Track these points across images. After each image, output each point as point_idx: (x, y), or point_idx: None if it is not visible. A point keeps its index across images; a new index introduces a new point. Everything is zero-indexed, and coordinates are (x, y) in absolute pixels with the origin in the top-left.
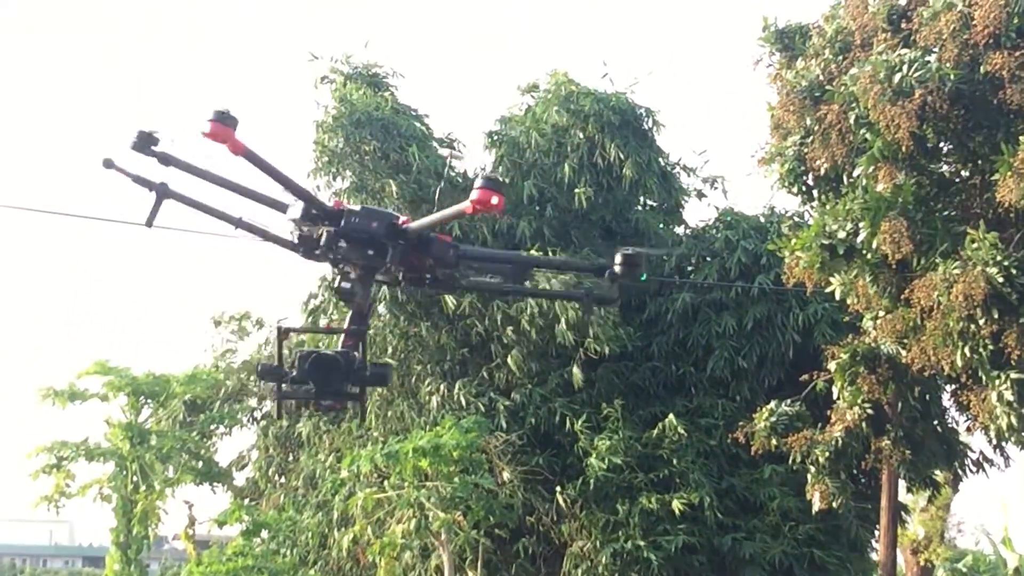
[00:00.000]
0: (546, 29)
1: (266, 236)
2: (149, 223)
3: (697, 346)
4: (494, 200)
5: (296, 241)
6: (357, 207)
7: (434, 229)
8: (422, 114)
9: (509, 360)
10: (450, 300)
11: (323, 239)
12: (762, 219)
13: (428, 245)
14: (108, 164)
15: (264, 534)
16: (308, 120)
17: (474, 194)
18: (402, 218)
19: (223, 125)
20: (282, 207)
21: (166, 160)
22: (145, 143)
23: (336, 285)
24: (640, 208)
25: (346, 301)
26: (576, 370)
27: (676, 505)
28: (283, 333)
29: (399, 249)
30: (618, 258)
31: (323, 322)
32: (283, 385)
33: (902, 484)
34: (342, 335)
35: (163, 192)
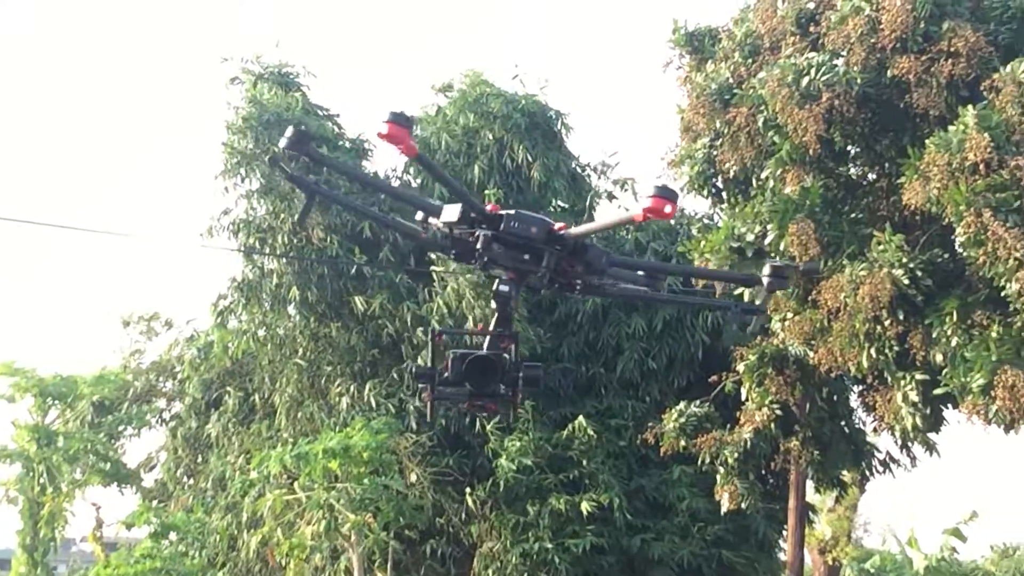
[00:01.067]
0: (460, 28)
1: (417, 238)
2: (301, 223)
3: (607, 347)
4: (667, 209)
5: (450, 243)
6: (513, 211)
7: (591, 236)
8: (333, 114)
9: (419, 361)
10: (360, 301)
11: (480, 242)
12: (672, 221)
13: (584, 252)
14: (274, 163)
15: (172, 536)
16: (220, 121)
17: (647, 202)
18: (558, 224)
19: (400, 126)
20: (434, 209)
21: (318, 160)
22: (300, 143)
23: (495, 288)
24: (551, 210)
25: (503, 304)
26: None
27: (584, 506)
28: (437, 334)
29: (555, 255)
30: (766, 270)
31: (232, 323)
32: (438, 386)
33: (810, 484)
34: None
35: (315, 191)
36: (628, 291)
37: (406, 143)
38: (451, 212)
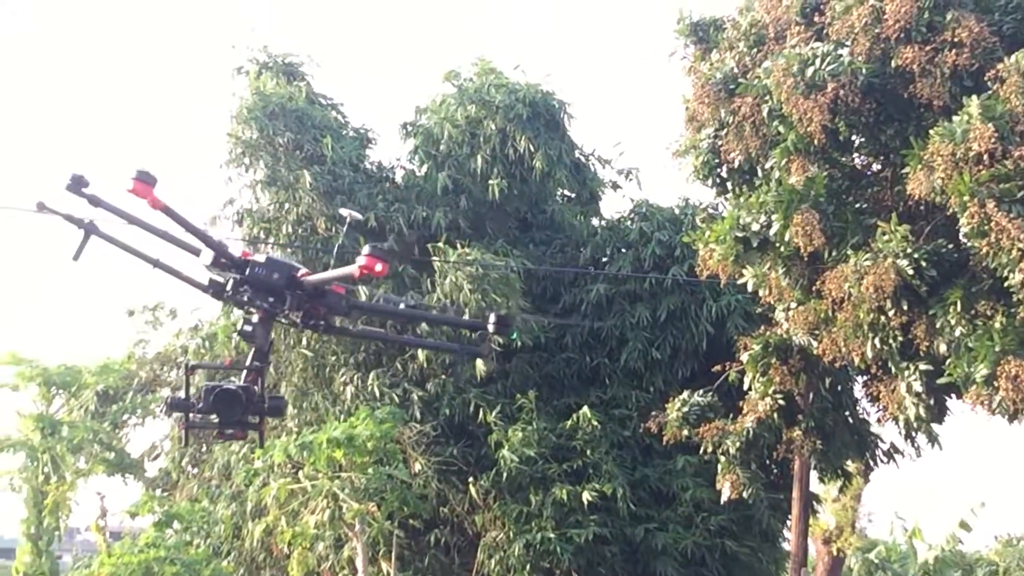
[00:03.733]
0: (465, 16)
1: (180, 277)
2: (76, 257)
3: (611, 337)
4: (378, 267)
5: (207, 284)
6: (262, 258)
7: (328, 284)
8: (337, 102)
9: (419, 352)
10: (363, 291)
11: (229, 285)
12: (677, 211)
13: (323, 296)
14: (40, 207)
15: (176, 525)
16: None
17: (361, 260)
18: (302, 270)
19: (144, 183)
20: (196, 251)
21: (95, 202)
22: (77, 185)
23: (240, 327)
24: (557, 200)
25: (248, 341)
26: (479, 362)
27: (586, 496)
28: (190, 370)
29: (297, 298)
30: (492, 318)
31: (237, 313)
32: (190, 416)
33: (814, 474)
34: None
35: (91, 230)
36: (368, 332)
37: (151, 197)
38: (205, 257)
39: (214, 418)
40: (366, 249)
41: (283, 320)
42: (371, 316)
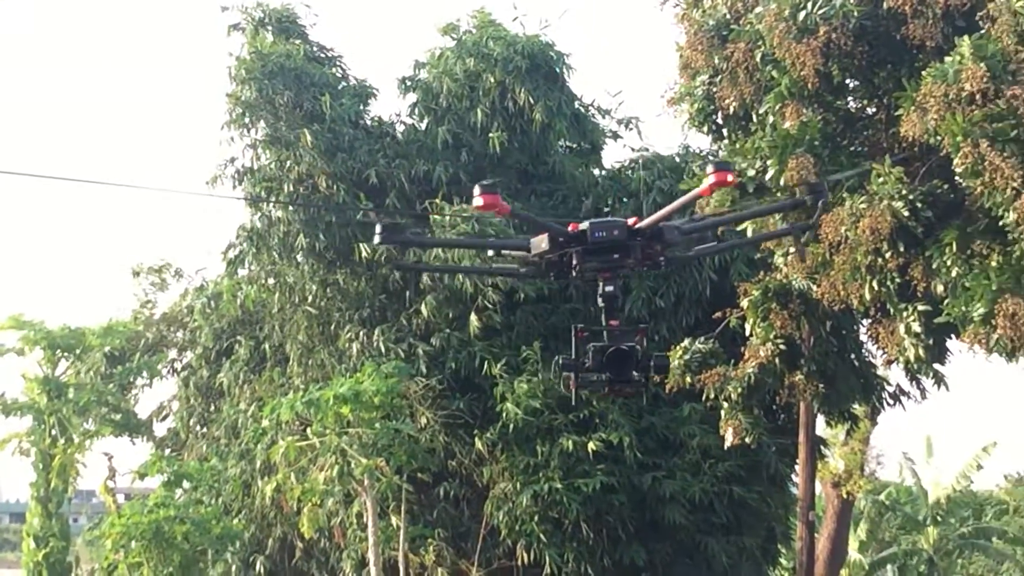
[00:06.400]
0: None
1: (517, 274)
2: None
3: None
4: (729, 178)
5: (545, 269)
6: (586, 225)
7: (662, 221)
8: (336, 55)
9: (423, 307)
10: (365, 248)
11: (575, 260)
12: (677, 159)
13: (660, 234)
14: (396, 267)
15: (186, 484)
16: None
17: (711, 178)
18: (631, 219)
19: (490, 194)
20: (523, 245)
21: (409, 243)
22: (392, 235)
23: (601, 291)
24: (558, 151)
25: (613, 304)
26: (473, 316)
27: (592, 445)
28: (579, 330)
29: (638, 245)
30: (805, 190)
31: (242, 272)
32: (581, 374)
33: (821, 419)
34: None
35: (422, 269)
36: (702, 250)
37: (499, 206)
38: (540, 243)
39: (604, 376)
40: (709, 167)
41: (626, 271)
42: (699, 234)
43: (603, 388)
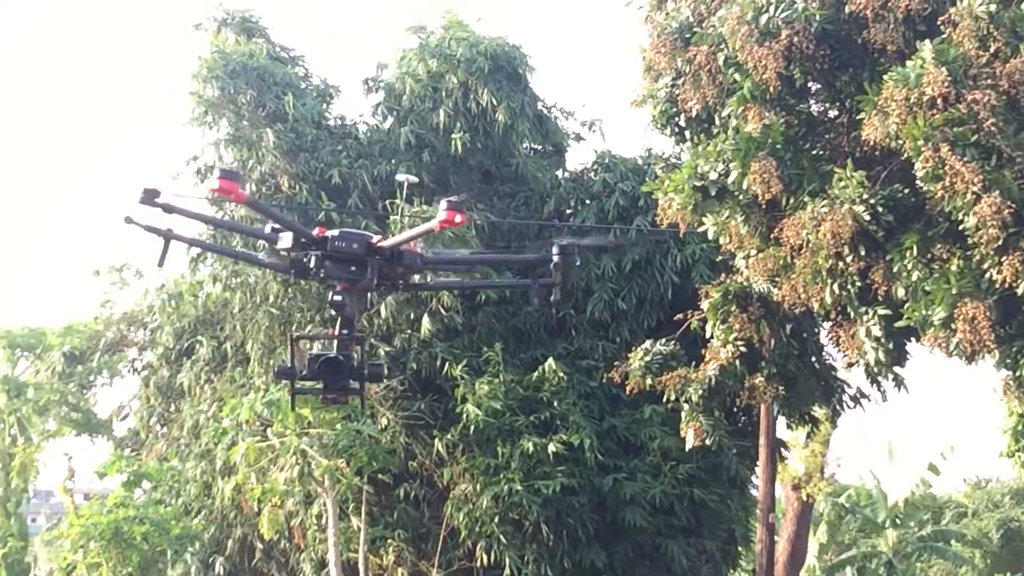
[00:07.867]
0: None
1: (262, 264)
2: (160, 264)
3: (576, 288)
4: (458, 219)
5: (289, 265)
6: (336, 232)
7: (403, 244)
8: (298, 55)
9: (383, 308)
10: None
11: (312, 262)
12: (640, 161)
13: (400, 257)
14: (128, 220)
15: (146, 484)
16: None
17: (441, 214)
18: (376, 238)
19: (230, 180)
20: (271, 238)
21: (169, 209)
22: (150, 198)
23: (330, 299)
24: (521, 153)
25: (339, 312)
26: (426, 318)
27: (552, 447)
28: (295, 340)
29: (376, 264)
30: (555, 250)
31: (205, 272)
32: (296, 382)
33: (782, 421)
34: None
35: (170, 236)
36: (442, 283)
37: (236, 193)
38: (285, 240)
39: (318, 384)
40: (443, 204)
41: (363, 286)
42: (442, 268)
43: (318, 395)
